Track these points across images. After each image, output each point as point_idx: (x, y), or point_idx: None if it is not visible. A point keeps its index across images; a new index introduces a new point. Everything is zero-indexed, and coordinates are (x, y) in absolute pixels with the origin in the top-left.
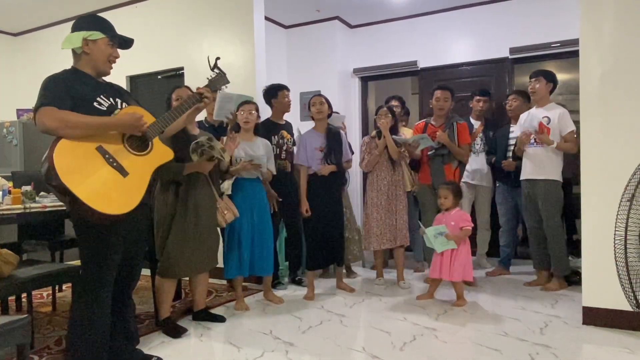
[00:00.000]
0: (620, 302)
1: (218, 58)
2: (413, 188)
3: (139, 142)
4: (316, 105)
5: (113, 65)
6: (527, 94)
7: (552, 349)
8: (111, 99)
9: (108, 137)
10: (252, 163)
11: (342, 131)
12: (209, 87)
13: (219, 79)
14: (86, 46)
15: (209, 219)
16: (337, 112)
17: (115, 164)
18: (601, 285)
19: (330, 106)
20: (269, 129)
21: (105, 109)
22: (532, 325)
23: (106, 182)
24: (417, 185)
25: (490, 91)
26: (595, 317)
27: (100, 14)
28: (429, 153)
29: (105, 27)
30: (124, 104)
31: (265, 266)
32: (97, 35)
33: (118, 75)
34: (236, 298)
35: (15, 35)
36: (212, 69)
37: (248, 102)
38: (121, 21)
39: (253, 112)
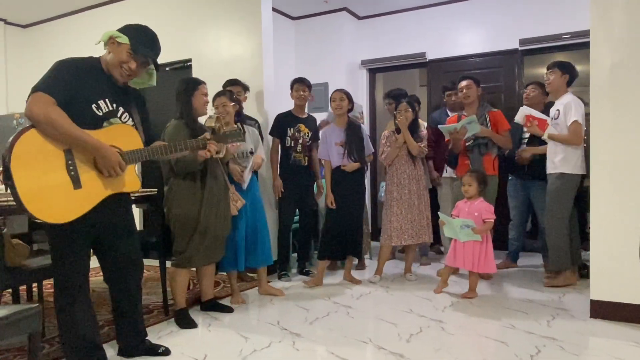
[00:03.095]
0: (628, 295)
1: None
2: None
3: None
4: (336, 101)
5: (126, 76)
6: (544, 85)
7: (559, 341)
8: (114, 105)
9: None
10: (241, 179)
11: (362, 124)
12: (219, 139)
13: (233, 134)
14: (111, 44)
15: (225, 209)
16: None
17: (73, 173)
18: (609, 278)
19: (351, 100)
20: (286, 122)
21: (101, 114)
22: (539, 318)
23: (54, 187)
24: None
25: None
26: (603, 310)
27: (109, 6)
28: (468, 144)
29: (138, 39)
30: (124, 114)
31: (264, 258)
32: (124, 39)
33: None
34: (232, 292)
35: (24, 27)
36: (236, 122)
37: (220, 94)
38: (129, 13)
39: (227, 104)
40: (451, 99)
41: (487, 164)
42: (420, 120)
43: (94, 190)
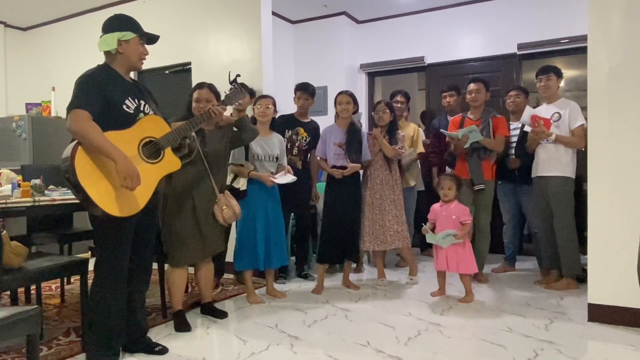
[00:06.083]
0: (626, 299)
1: (238, 75)
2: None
3: (153, 150)
4: (342, 104)
5: (142, 63)
6: (526, 90)
7: (556, 345)
8: (136, 100)
9: (125, 144)
10: (273, 181)
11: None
12: (224, 103)
13: (234, 95)
14: (120, 46)
15: (205, 210)
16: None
17: None
18: (607, 282)
19: (356, 103)
20: (287, 123)
21: (132, 111)
22: (537, 322)
23: (117, 186)
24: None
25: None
26: (600, 314)
27: (109, 9)
28: (466, 147)
29: (135, 26)
30: (146, 106)
31: (281, 258)
32: (129, 35)
33: None
34: (248, 292)
35: (24, 29)
36: (231, 83)
37: (265, 96)
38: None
39: (270, 106)
40: (445, 99)
41: (485, 168)
42: (414, 126)
43: (149, 178)
